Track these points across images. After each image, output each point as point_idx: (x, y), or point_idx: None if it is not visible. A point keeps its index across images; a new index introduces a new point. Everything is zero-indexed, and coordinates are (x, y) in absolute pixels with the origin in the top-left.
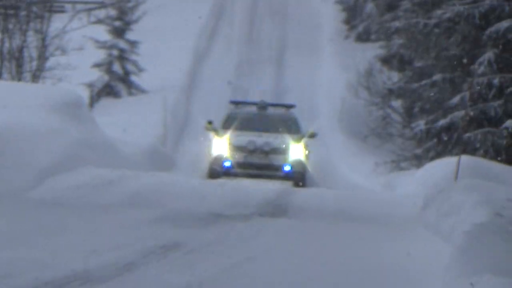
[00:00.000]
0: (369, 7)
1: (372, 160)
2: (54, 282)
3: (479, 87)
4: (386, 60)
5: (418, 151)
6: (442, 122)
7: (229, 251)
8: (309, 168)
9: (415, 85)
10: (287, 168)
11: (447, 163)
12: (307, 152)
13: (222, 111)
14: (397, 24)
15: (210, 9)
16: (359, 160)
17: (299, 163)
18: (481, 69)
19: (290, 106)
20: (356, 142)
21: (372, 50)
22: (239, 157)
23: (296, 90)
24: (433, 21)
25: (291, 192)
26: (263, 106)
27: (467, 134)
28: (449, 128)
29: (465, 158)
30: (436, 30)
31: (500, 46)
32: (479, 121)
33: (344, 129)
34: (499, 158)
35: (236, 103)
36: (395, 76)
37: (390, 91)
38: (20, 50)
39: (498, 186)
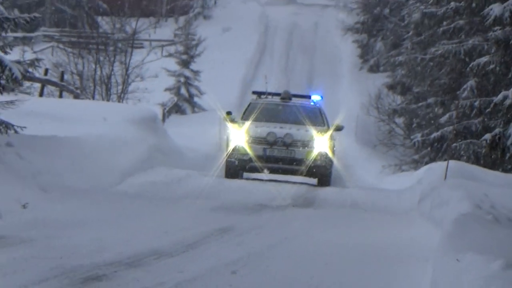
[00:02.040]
0: (379, 45)
1: (380, 163)
2: (135, 256)
3: (463, 108)
4: (391, 87)
5: (416, 157)
6: (435, 134)
7: (270, 233)
8: (335, 161)
9: (414, 106)
10: (310, 162)
11: (438, 166)
12: (332, 145)
13: None
14: (400, 58)
15: (256, 46)
16: (369, 163)
17: (324, 157)
18: (465, 94)
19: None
20: (367, 150)
21: (381, 79)
22: (258, 149)
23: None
24: (428, 56)
25: (317, 188)
26: (286, 97)
27: (454, 144)
28: (440, 139)
29: (452, 162)
30: (431, 63)
31: (480, 76)
32: (463, 134)
33: (358, 139)
34: (479, 163)
35: (258, 93)
36: (398, 99)
37: (394, 110)
38: (109, 77)
39: (477, 184)
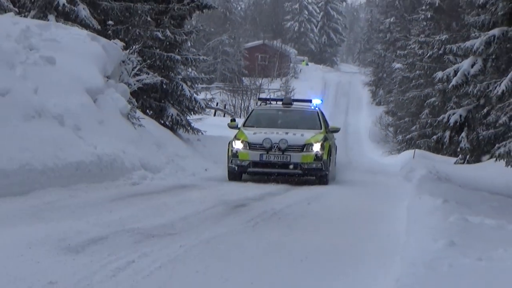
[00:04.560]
0: (380, 92)
1: (381, 150)
2: (259, 196)
3: (423, 124)
4: (387, 112)
5: (399, 147)
6: (408, 136)
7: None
8: (333, 163)
9: (398, 122)
10: (305, 165)
11: (410, 152)
12: (329, 146)
13: None
14: (391, 98)
15: (319, 93)
16: (375, 150)
17: (319, 159)
18: (423, 116)
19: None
20: (374, 144)
21: (382, 109)
22: (255, 155)
23: (352, 124)
24: (405, 98)
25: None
26: (288, 102)
27: (418, 141)
28: (411, 139)
29: (417, 150)
30: (406, 101)
31: (431, 108)
32: (423, 136)
33: (370, 139)
34: (430, 151)
35: (264, 100)
36: (390, 118)
37: (389, 124)
38: (247, 107)
39: (430, 161)
